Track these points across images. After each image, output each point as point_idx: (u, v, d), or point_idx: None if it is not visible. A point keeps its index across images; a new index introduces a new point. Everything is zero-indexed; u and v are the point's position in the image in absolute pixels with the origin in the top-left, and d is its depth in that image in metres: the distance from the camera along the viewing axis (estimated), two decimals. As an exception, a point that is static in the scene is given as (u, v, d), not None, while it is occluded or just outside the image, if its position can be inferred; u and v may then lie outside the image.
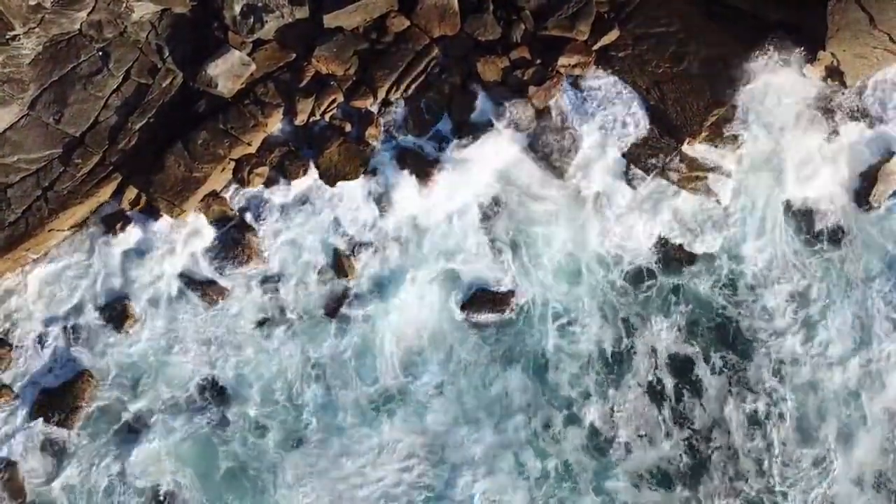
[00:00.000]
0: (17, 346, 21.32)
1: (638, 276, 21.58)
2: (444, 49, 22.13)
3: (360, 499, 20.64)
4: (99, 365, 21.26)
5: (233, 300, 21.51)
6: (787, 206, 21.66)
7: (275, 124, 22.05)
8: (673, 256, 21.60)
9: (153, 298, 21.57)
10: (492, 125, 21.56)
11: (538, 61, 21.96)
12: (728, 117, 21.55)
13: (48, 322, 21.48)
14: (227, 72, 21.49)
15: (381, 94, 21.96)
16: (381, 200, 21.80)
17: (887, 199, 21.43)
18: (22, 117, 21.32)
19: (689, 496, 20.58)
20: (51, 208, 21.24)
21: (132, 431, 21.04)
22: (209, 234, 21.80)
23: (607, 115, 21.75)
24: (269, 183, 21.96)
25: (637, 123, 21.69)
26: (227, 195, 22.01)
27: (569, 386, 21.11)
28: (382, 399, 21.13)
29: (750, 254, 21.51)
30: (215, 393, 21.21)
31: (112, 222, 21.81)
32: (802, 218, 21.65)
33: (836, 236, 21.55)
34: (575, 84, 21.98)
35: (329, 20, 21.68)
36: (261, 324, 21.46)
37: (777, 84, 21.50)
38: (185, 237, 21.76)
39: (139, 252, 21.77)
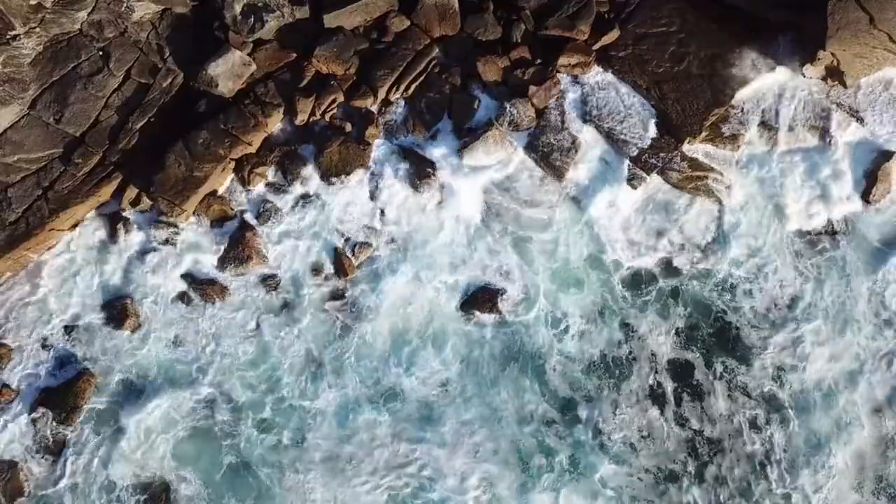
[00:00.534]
0: (17, 345, 21.33)
1: (637, 279, 21.53)
2: (444, 49, 22.18)
3: (364, 496, 20.62)
4: (99, 364, 21.25)
5: (233, 299, 21.51)
6: (788, 205, 21.61)
7: (275, 124, 22.07)
8: (674, 259, 21.58)
9: (153, 298, 21.57)
10: (492, 125, 21.56)
11: (538, 61, 22.01)
12: (728, 117, 21.54)
13: (49, 321, 21.49)
14: (228, 72, 21.52)
15: (382, 94, 21.98)
16: (381, 200, 21.81)
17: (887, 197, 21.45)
18: (22, 117, 21.34)
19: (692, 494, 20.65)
20: (51, 208, 21.26)
21: (133, 429, 21.03)
22: (210, 233, 21.82)
23: (607, 114, 21.76)
24: (269, 182, 21.98)
25: (637, 123, 21.69)
26: (227, 195, 22.02)
27: (568, 388, 21.10)
28: (384, 397, 21.10)
29: (750, 253, 21.46)
30: (216, 392, 21.19)
31: (112, 222, 21.84)
32: (803, 217, 21.60)
33: (836, 235, 21.48)
34: (575, 84, 22.00)
35: (329, 20, 21.74)
36: (261, 322, 21.44)
37: (777, 83, 21.51)
38: (186, 237, 21.78)
39: (139, 251, 21.80)
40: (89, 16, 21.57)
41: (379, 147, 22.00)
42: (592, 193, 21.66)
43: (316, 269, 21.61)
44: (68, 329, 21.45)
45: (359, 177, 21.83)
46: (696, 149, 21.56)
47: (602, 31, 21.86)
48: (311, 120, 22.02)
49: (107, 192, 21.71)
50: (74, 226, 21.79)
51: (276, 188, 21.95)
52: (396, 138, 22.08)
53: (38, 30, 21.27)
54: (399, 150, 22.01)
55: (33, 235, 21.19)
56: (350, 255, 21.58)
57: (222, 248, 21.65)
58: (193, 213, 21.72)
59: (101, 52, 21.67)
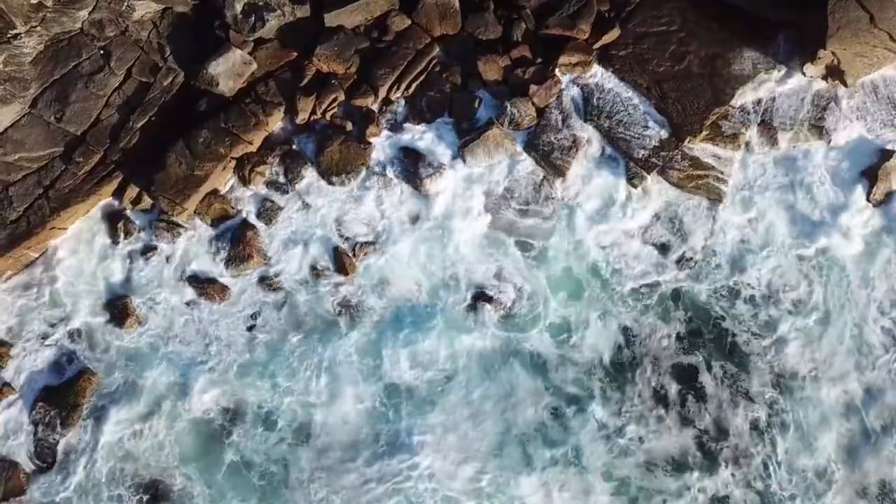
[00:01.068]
0: (18, 344, 21.35)
1: (638, 280, 21.50)
2: (444, 48, 22.19)
3: (367, 493, 20.62)
4: (100, 362, 21.27)
5: (234, 298, 21.52)
6: (787, 204, 21.61)
7: (276, 123, 22.10)
8: (673, 259, 21.53)
9: (154, 296, 21.58)
10: (492, 124, 21.58)
11: (539, 60, 22.01)
12: (728, 116, 21.55)
13: (49, 320, 21.51)
14: (229, 70, 21.54)
15: (382, 93, 22.00)
16: (382, 199, 21.83)
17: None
18: (23, 116, 21.38)
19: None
20: (52, 207, 21.29)
21: (133, 428, 21.04)
22: (210, 232, 21.85)
23: (608, 113, 21.77)
24: (270, 181, 21.99)
25: (637, 122, 21.71)
26: (228, 194, 22.04)
27: (571, 384, 21.08)
28: (388, 394, 21.04)
29: (750, 254, 21.46)
30: (217, 391, 21.18)
31: (113, 221, 21.87)
32: (803, 216, 21.59)
33: (836, 235, 21.47)
34: (576, 83, 22.02)
35: (330, 19, 21.77)
36: (262, 321, 21.44)
37: (777, 83, 21.54)
38: (187, 235, 21.81)
39: (140, 250, 21.83)
40: (90, 15, 21.61)
41: (379, 146, 22.01)
42: (592, 194, 21.67)
43: (317, 268, 21.61)
44: (69, 328, 21.46)
45: (359, 176, 21.84)
46: (696, 148, 21.55)
47: (602, 30, 21.86)
48: (311, 119, 22.03)
49: (108, 190, 21.75)
50: (76, 224, 21.81)
51: (277, 187, 21.97)
52: (397, 137, 22.08)
53: (38, 29, 21.31)
54: (399, 149, 22.02)
55: (34, 234, 21.22)
56: (351, 254, 21.59)
57: (223, 247, 21.67)
58: (194, 211, 21.73)
59: (102, 51, 21.70)
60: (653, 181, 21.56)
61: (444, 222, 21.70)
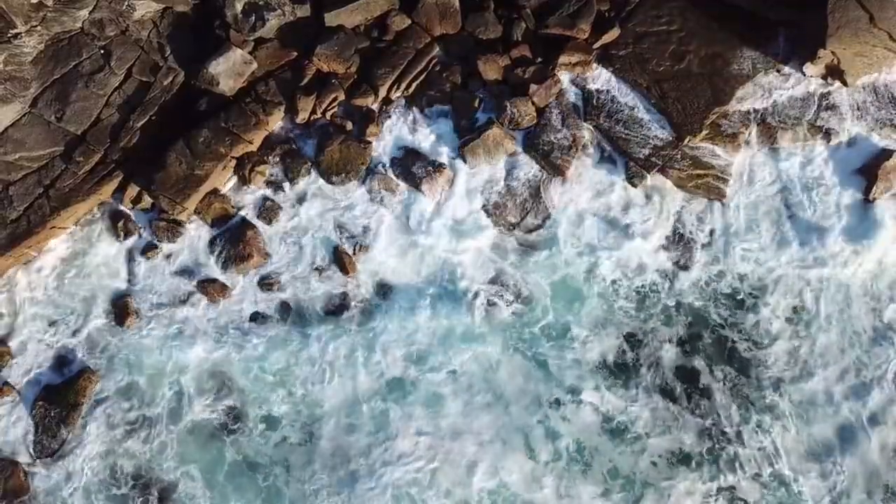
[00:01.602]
0: (18, 344, 21.36)
1: (640, 283, 21.48)
2: (444, 47, 22.21)
3: (369, 491, 20.61)
4: (100, 361, 21.28)
5: (234, 297, 21.53)
6: (787, 204, 21.62)
7: (276, 122, 22.12)
8: (675, 261, 21.51)
9: (154, 296, 21.60)
10: (492, 123, 21.59)
11: (539, 60, 22.02)
12: (728, 115, 21.57)
13: (49, 319, 21.54)
14: (229, 70, 21.56)
15: (383, 93, 22.02)
16: (382, 199, 21.84)
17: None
18: (24, 115, 21.41)
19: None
20: (52, 206, 21.31)
21: (135, 428, 21.07)
22: (211, 232, 21.87)
23: (608, 113, 21.78)
24: (270, 181, 22.01)
25: (637, 122, 21.72)
26: (228, 193, 22.06)
27: (575, 379, 21.05)
28: (390, 392, 21.02)
29: (751, 253, 21.47)
30: (219, 390, 21.21)
31: (113, 220, 21.90)
32: (803, 216, 21.60)
33: (836, 234, 21.47)
34: (575, 82, 22.03)
35: (330, 19, 21.79)
36: (263, 320, 21.46)
37: (777, 82, 21.54)
38: (187, 235, 21.82)
39: (140, 249, 21.85)
40: (90, 14, 21.64)
41: (380, 145, 22.03)
42: (591, 194, 21.69)
43: (317, 267, 21.63)
44: (69, 327, 21.48)
45: (360, 175, 21.85)
46: (696, 147, 21.55)
47: (602, 29, 21.88)
48: (311, 118, 22.05)
49: (108, 190, 21.77)
50: (76, 224, 21.83)
51: (277, 186, 22.00)
52: (397, 137, 22.09)
53: (39, 28, 21.34)
54: (400, 149, 22.04)
55: (34, 233, 21.24)
56: (351, 253, 21.60)
57: (223, 246, 21.68)
58: (195, 211, 21.75)
59: (102, 51, 21.73)
60: (652, 181, 21.58)
61: (444, 222, 21.71)
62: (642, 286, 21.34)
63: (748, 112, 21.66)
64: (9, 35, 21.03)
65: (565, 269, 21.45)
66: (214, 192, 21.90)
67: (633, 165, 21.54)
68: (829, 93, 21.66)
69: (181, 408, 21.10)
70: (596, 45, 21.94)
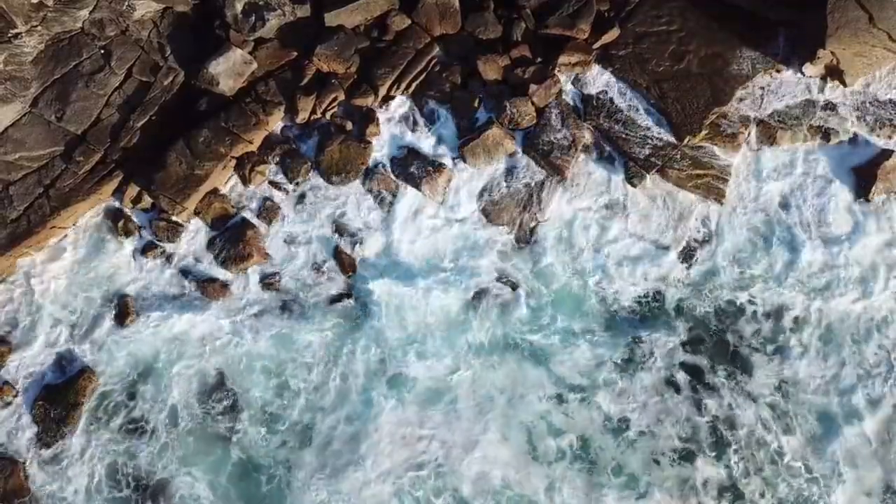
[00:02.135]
0: (19, 343, 21.37)
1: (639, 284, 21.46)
2: (444, 47, 22.22)
3: (370, 489, 20.60)
4: (100, 361, 21.28)
5: (234, 296, 21.54)
6: (788, 203, 21.64)
7: (276, 122, 22.13)
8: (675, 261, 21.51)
9: (154, 295, 21.61)
10: (492, 123, 21.61)
11: (539, 60, 22.04)
12: (728, 115, 21.59)
13: (49, 319, 21.53)
14: (229, 70, 21.57)
15: (382, 93, 22.04)
16: (382, 199, 21.86)
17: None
18: (24, 115, 21.41)
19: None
20: (53, 206, 21.31)
21: (135, 427, 21.08)
22: (210, 231, 21.88)
23: (607, 113, 21.80)
24: (270, 181, 22.02)
25: (637, 122, 21.74)
26: (228, 193, 22.07)
27: (578, 376, 21.04)
28: (391, 388, 21.00)
29: (750, 254, 21.47)
30: (219, 390, 21.21)
31: (113, 220, 21.90)
32: (803, 216, 21.61)
33: (836, 234, 21.51)
34: (575, 82, 22.05)
35: (330, 19, 21.80)
36: (263, 320, 21.45)
37: (777, 82, 21.56)
38: (187, 235, 21.83)
39: (140, 249, 21.86)
40: (91, 14, 21.65)
41: (379, 145, 22.04)
42: (590, 195, 21.70)
43: (317, 267, 21.65)
44: (69, 326, 21.48)
45: (359, 175, 21.86)
46: (696, 147, 21.57)
47: (602, 29, 21.90)
48: (312, 118, 22.06)
49: (108, 190, 21.77)
50: (76, 223, 21.83)
51: (277, 186, 22.01)
52: (397, 136, 22.11)
53: (39, 28, 21.35)
54: (400, 149, 22.05)
55: (34, 233, 21.24)
56: (351, 253, 21.62)
57: (223, 246, 21.69)
58: (195, 211, 21.76)
59: (102, 51, 21.74)
60: (652, 181, 21.60)
61: (444, 221, 21.75)
62: (643, 287, 21.35)
63: (748, 112, 21.63)
64: (9, 35, 21.04)
65: (565, 270, 21.47)
66: (214, 191, 21.91)
67: (633, 165, 21.56)
68: (828, 93, 21.67)
69: (181, 408, 21.07)
70: (596, 46, 21.96)
